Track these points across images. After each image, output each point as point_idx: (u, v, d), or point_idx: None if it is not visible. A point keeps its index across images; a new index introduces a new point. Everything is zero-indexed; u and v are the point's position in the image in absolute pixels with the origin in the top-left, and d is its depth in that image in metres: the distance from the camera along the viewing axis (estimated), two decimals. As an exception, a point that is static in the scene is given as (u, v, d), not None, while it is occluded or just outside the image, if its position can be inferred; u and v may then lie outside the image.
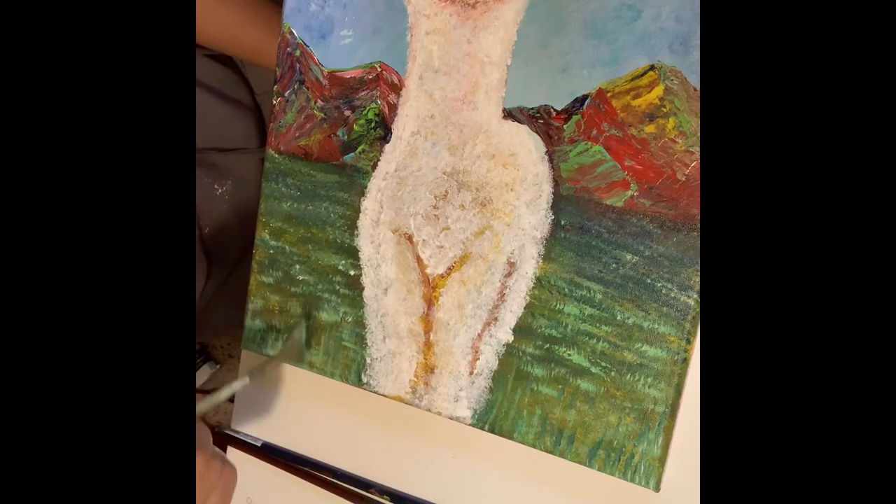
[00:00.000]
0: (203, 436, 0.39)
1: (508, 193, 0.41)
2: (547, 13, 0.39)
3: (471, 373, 0.43)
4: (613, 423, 0.40)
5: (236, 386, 0.43)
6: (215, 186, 0.61)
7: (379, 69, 0.44)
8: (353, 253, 0.46)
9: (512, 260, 0.42)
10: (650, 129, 0.38)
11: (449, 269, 0.43)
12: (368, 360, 0.46)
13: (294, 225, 0.47)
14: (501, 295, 0.42)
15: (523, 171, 0.41)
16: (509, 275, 0.42)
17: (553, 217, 0.40)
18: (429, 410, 0.44)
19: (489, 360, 0.43)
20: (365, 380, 0.46)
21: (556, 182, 0.40)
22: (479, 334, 0.43)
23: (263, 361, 0.47)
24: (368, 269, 0.45)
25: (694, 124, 0.37)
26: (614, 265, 0.39)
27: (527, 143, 0.41)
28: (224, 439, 0.53)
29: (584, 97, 0.39)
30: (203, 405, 0.41)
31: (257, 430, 0.53)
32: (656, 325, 0.39)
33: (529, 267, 0.41)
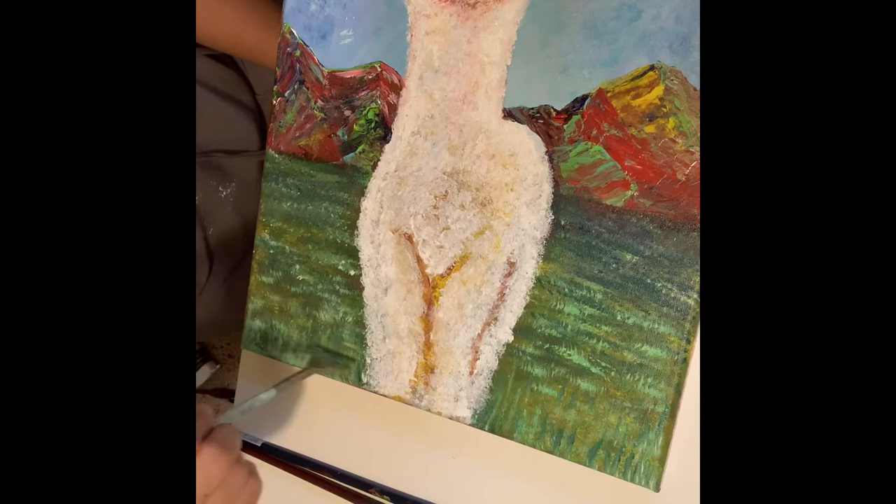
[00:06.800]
0: (230, 440, 0.38)
1: (508, 193, 0.41)
2: (547, 13, 0.39)
3: (471, 373, 0.43)
4: (613, 423, 0.40)
5: (264, 397, 0.43)
6: (219, 189, 0.61)
7: (379, 69, 0.44)
8: (353, 253, 0.46)
9: (512, 260, 0.42)
10: (650, 129, 0.38)
11: (449, 269, 0.43)
12: (368, 360, 0.46)
13: (294, 225, 0.47)
14: (501, 295, 0.42)
15: (523, 171, 0.41)
16: (509, 275, 0.42)
17: (553, 217, 0.40)
18: (429, 410, 0.45)
19: (489, 360, 0.43)
20: (365, 380, 0.46)
21: (556, 182, 0.40)
22: (479, 334, 0.43)
23: (291, 374, 0.47)
24: (368, 269, 0.46)
25: (694, 124, 0.37)
26: (614, 265, 0.39)
27: (527, 143, 0.41)
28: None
29: (584, 97, 0.39)
30: (231, 414, 0.40)
31: (257, 430, 0.53)
32: (656, 325, 0.38)
33: (529, 267, 0.41)
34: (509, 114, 0.41)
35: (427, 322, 0.44)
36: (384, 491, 0.49)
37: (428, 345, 0.44)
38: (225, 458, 0.37)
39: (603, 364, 0.40)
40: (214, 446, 0.36)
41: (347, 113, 0.45)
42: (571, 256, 0.40)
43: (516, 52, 0.40)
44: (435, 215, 0.43)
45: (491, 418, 0.43)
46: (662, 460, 0.39)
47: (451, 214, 0.43)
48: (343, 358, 0.46)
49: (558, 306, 0.41)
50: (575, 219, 0.40)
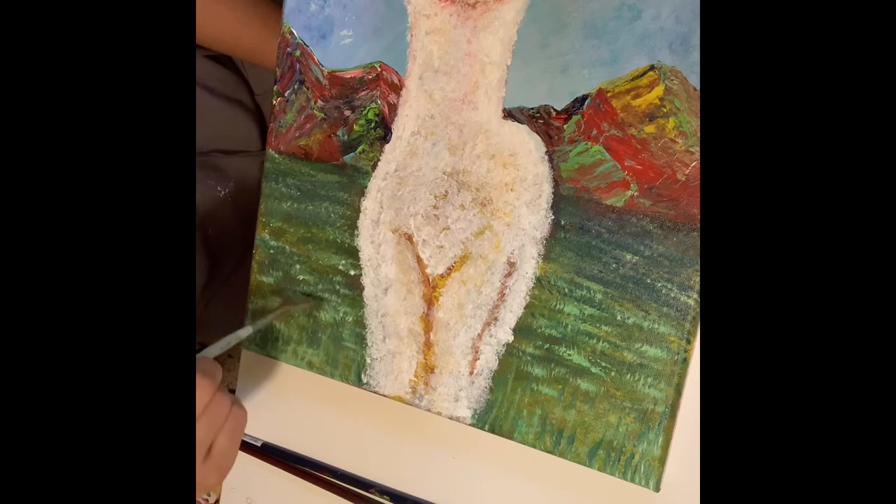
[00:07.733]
0: (212, 369, 0.38)
1: (508, 193, 0.41)
2: (547, 13, 0.39)
3: (471, 373, 0.43)
4: (613, 423, 0.40)
5: (241, 333, 0.44)
6: (218, 188, 0.61)
7: (379, 69, 0.44)
8: (353, 253, 0.46)
9: (512, 260, 0.42)
10: (650, 129, 0.38)
11: (449, 269, 0.43)
12: (368, 360, 0.46)
13: (294, 225, 0.47)
14: (501, 295, 0.42)
15: (523, 171, 0.41)
16: (509, 275, 0.42)
17: (553, 217, 0.40)
18: (429, 410, 0.45)
19: (489, 360, 0.43)
20: (365, 380, 0.46)
21: (556, 182, 0.40)
22: (479, 334, 0.43)
23: (269, 313, 0.47)
24: (368, 269, 0.46)
25: (694, 124, 0.37)
26: (614, 265, 0.39)
27: (527, 143, 0.41)
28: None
29: (584, 97, 0.39)
30: (210, 350, 0.40)
31: (257, 430, 0.53)
32: (656, 325, 0.39)
33: (529, 267, 0.41)
34: (509, 114, 0.41)
35: (427, 322, 0.44)
36: (384, 491, 0.49)
37: (428, 345, 0.44)
38: (208, 382, 0.37)
39: (603, 364, 0.40)
40: (197, 373, 0.36)
41: (347, 113, 0.45)
42: (571, 256, 0.40)
43: (516, 52, 0.40)
44: (435, 215, 0.43)
45: (491, 418, 0.43)
46: (662, 460, 0.39)
47: (451, 214, 0.43)
48: (317, 297, 0.47)
49: (558, 306, 0.41)
50: (575, 219, 0.40)
